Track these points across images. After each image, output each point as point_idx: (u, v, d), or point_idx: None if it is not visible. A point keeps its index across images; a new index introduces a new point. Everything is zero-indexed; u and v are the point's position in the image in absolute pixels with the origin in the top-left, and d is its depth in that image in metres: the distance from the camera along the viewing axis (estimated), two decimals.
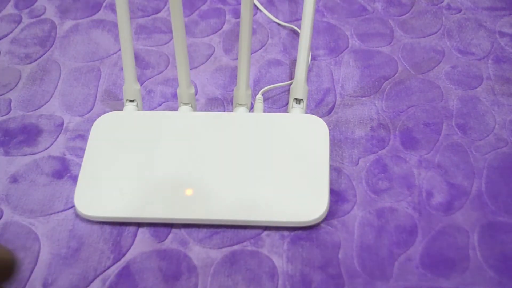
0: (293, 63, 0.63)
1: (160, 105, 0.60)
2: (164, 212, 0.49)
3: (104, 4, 0.71)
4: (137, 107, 0.57)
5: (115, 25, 0.68)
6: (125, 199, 0.50)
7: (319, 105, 0.59)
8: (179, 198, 0.50)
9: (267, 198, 0.49)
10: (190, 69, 0.57)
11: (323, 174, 0.50)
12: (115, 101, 0.60)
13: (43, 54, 0.65)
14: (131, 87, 0.56)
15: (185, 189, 0.50)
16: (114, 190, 0.51)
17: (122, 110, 0.57)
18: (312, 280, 0.46)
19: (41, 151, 0.56)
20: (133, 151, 0.53)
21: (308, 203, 0.49)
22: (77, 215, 0.51)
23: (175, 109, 0.59)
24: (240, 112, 0.56)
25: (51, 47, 0.66)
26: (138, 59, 0.63)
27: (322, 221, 0.49)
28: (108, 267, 0.48)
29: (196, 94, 0.60)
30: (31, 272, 0.47)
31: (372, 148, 0.55)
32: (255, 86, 0.61)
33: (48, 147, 0.56)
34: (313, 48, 0.64)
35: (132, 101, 0.57)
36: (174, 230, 0.49)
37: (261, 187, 0.50)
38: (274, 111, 0.58)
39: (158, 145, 0.53)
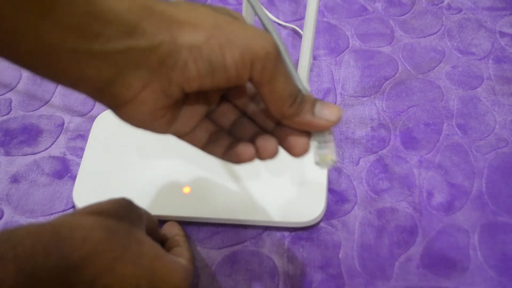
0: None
1: None
2: (164, 210, 0.49)
3: None
4: None
5: None
6: (125, 195, 0.50)
7: None
8: (179, 196, 0.50)
9: (266, 198, 0.49)
10: None
11: (321, 176, 0.50)
12: None
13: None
14: None
15: (184, 187, 0.50)
16: (114, 186, 0.51)
17: None
18: (312, 280, 0.46)
19: (41, 151, 0.56)
20: (133, 148, 0.53)
21: (305, 204, 0.49)
22: None
23: None
24: None
25: None
26: None
27: (322, 221, 0.49)
28: None
29: None
30: None
31: (373, 148, 0.55)
32: None
33: (49, 147, 0.56)
34: (313, 48, 0.64)
35: None
36: None
37: (260, 186, 0.50)
38: None
39: (158, 143, 0.53)
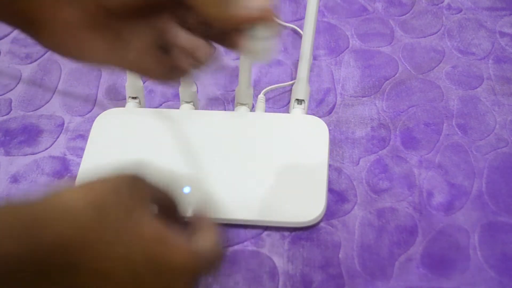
0: (293, 63, 0.63)
1: (160, 105, 0.60)
2: None
3: None
4: (140, 104, 0.57)
5: None
6: None
7: (320, 105, 0.59)
8: (179, 196, 0.50)
9: (265, 198, 0.49)
10: None
11: (321, 176, 0.50)
12: (115, 101, 0.60)
13: (44, 54, 0.65)
14: (134, 84, 0.56)
15: (184, 187, 0.50)
16: None
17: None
18: (312, 280, 0.46)
19: (41, 151, 0.56)
20: (134, 148, 0.53)
21: (305, 204, 0.49)
22: None
23: (175, 109, 0.59)
24: (242, 111, 0.56)
25: None
26: None
27: (322, 221, 0.49)
28: None
29: None
30: None
31: (373, 148, 0.55)
32: (256, 86, 0.61)
33: (49, 147, 0.56)
34: (313, 48, 0.64)
35: (134, 98, 0.57)
36: None
37: (260, 186, 0.50)
38: (275, 111, 0.58)
39: (159, 142, 0.53)
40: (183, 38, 0.35)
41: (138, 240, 0.33)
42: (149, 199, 0.35)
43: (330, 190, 0.52)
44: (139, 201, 0.34)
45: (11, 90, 0.62)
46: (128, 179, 0.35)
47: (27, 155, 0.56)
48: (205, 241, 0.38)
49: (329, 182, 0.52)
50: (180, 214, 0.39)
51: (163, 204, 0.37)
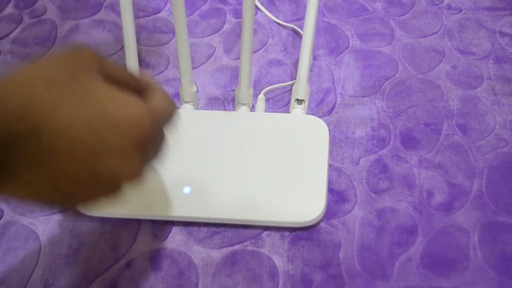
0: (293, 63, 0.63)
1: None
2: (164, 210, 0.49)
3: (104, 4, 0.71)
4: None
5: (115, 25, 0.68)
6: (125, 196, 0.50)
7: (320, 105, 0.59)
8: (179, 196, 0.50)
9: (265, 198, 0.49)
10: None
11: (321, 176, 0.50)
12: None
13: (44, 54, 0.65)
14: None
15: (184, 187, 0.50)
16: None
17: None
18: (312, 280, 0.46)
19: None
20: None
21: (305, 204, 0.49)
22: (78, 215, 0.51)
23: None
24: (242, 111, 0.56)
25: (51, 47, 0.66)
26: (138, 59, 0.63)
27: (322, 221, 0.50)
28: (109, 267, 0.48)
29: None
30: (32, 272, 0.47)
31: (373, 148, 0.55)
32: (256, 86, 0.61)
33: None
34: (313, 48, 0.64)
35: None
36: (174, 230, 0.50)
37: (260, 186, 0.50)
38: (275, 111, 0.58)
39: None
40: None
41: (90, 99, 0.33)
42: (96, 67, 0.36)
43: (330, 190, 0.52)
44: (84, 67, 0.35)
45: None
46: (72, 52, 0.35)
47: None
48: (156, 97, 0.39)
49: (329, 182, 0.52)
50: (129, 85, 0.39)
51: (113, 75, 0.37)
